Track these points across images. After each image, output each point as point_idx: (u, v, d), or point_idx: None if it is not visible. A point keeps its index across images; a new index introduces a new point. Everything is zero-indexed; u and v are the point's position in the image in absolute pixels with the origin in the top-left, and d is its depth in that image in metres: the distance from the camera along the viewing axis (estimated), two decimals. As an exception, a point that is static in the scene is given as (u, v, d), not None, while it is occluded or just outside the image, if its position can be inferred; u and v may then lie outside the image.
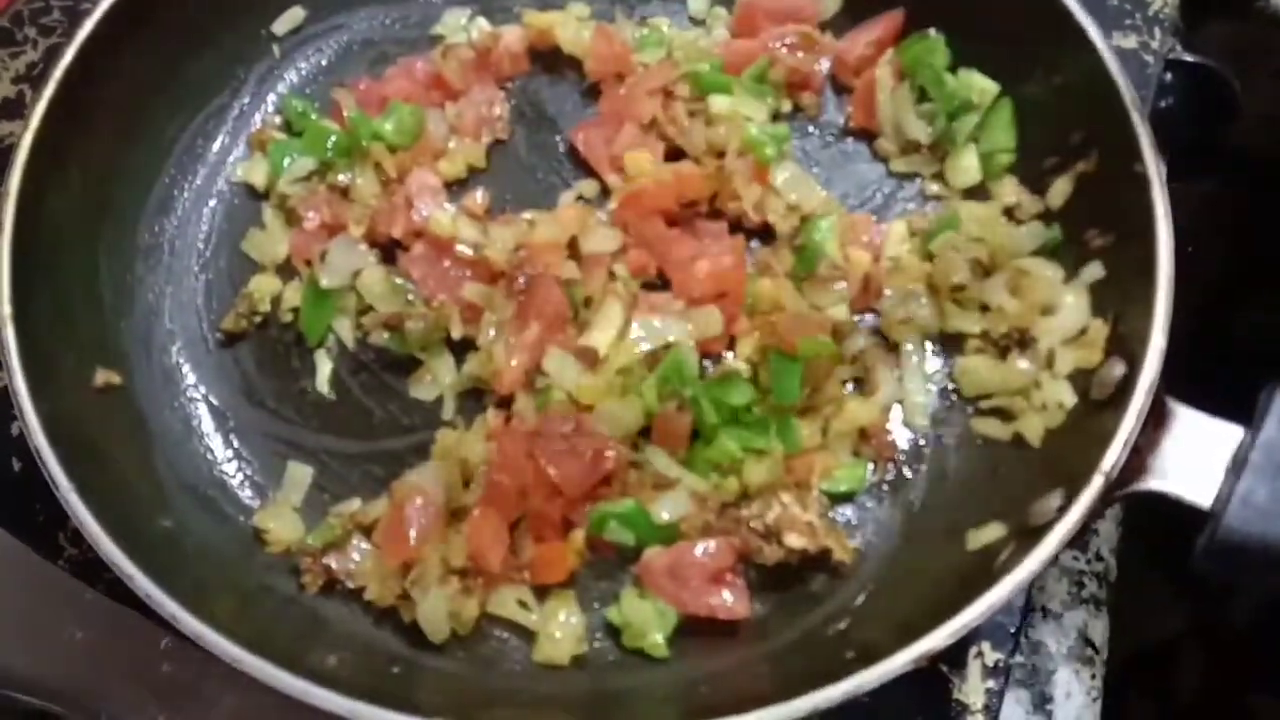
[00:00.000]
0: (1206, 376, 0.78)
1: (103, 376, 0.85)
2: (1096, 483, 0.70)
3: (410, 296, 0.89)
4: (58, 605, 0.85)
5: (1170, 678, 1.19)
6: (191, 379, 0.91)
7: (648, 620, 0.78)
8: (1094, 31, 0.85)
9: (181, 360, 0.92)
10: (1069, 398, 0.80)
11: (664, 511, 0.81)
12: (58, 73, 0.86)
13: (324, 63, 1.04)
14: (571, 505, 0.81)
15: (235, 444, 0.89)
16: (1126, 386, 0.74)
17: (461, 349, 0.89)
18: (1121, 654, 0.90)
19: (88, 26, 0.88)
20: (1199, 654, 1.15)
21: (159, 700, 0.82)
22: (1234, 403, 0.73)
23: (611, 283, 0.89)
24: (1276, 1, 1.10)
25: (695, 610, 0.78)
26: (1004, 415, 0.85)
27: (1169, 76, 1.03)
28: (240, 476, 0.88)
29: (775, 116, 0.99)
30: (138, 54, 0.93)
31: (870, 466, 0.86)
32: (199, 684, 0.82)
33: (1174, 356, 0.74)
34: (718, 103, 0.96)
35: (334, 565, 0.80)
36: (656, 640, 0.78)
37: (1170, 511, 0.71)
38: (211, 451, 0.88)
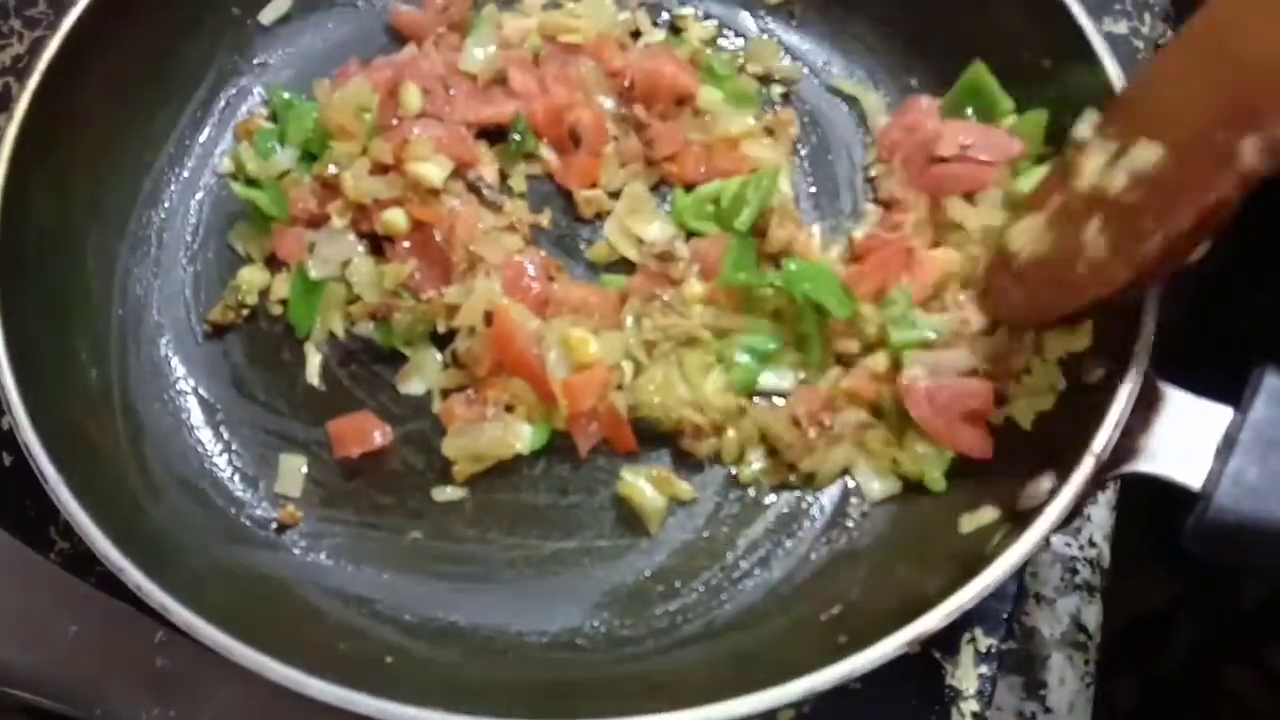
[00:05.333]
0: (1196, 360, 0.78)
1: (92, 370, 0.85)
2: (1087, 464, 0.70)
3: (399, 289, 0.88)
4: (51, 599, 0.84)
5: (1155, 653, 1.20)
6: (180, 371, 0.90)
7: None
8: (1083, 17, 0.85)
9: (170, 353, 0.91)
10: (1059, 381, 0.80)
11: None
12: (41, 65, 0.85)
13: (312, 52, 1.03)
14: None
15: (225, 436, 0.88)
16: (1116, 369, 0.73)
17: (448, 344, 0.89)
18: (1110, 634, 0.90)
19: (71, 17, 0.87)
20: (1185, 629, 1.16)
21: (154, 694, 0.81)
22: (1223, 386, 0.73)
23: None
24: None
25: (950, 443, 0.80)
26: (995, 399, 0.85)
27: (1160, 62, 1.02)
28: (231, 469, 0.87)
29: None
30: (122, 45, 0.92)
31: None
32: (194, 678, 0.81)
33: (1164, 340, 0.74)
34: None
35: None
36: (657, 508, 0.83)
37: (1163, 496, 0.71)
38: (202, 444, 0.88)
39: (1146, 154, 0.68)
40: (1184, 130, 0.66)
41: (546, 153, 0.96)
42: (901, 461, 0.82)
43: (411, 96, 0.93)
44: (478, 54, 0.96)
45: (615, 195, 0.95)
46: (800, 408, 0.84)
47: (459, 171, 0.92)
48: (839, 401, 0.84)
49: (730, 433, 0.85)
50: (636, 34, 1.02)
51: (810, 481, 0.85)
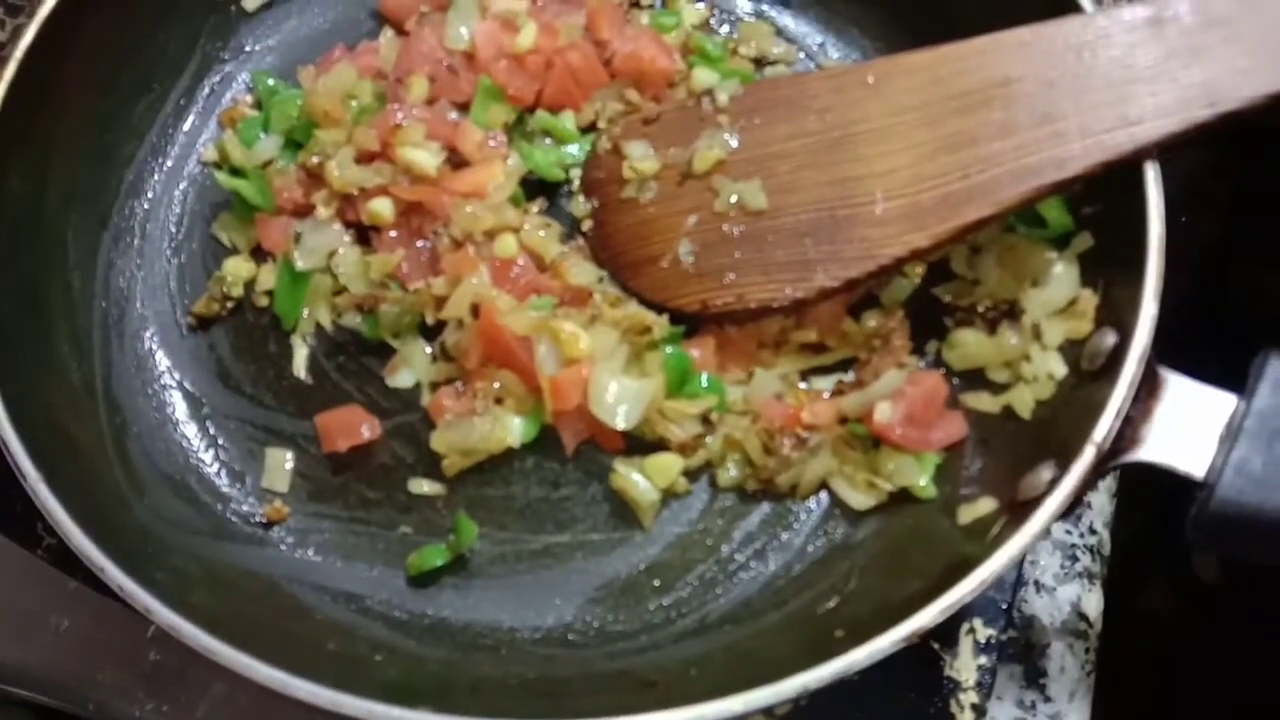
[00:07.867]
0: (1198, 345, 0.77)
1: (73, 364, 0.84)
2: (1088, 454, 0.69)
3: (386, 279, 0.87)
4: (39, 595, 0.84)
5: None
6: (165, 365, 0.89)
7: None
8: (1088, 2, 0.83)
9: (154, 346, 0.90)
10: (1059, 369, 0.79)
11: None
12: (18, 52, 0.84)
13: (297, 38, 1.01)
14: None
15: (211, 431, 0.87)
16: (1118, 355, 0.72)
17: (437, 336, 0.87)
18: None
19: (50, 2, 0.85)
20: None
21: (147, 688, 0.81)
22: (1227, 371, 0.71)
23: None
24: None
25: (932, 446, 0.79)
26: (993, 388, 0.84)
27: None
28: (216, 464, 0.86)
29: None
30: (103, 31, 0.90)
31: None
32: (187, 671, 0.81)
33: (1165, 326, 0.73)
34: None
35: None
36: (651, 500, 0.82)
37: (1165, 484, 0.70)
38: (186, 439, 0.87)
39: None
40: None
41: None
42: (878, 484, 0.81)
43: (419, 86, 0.92)
44: (462, 31, 0.94)
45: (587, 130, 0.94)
46: (775, 422, 0.82)
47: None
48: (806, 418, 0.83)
49: (710, 440, 0.84)
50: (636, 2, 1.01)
51: (793, 493, 0.83)
